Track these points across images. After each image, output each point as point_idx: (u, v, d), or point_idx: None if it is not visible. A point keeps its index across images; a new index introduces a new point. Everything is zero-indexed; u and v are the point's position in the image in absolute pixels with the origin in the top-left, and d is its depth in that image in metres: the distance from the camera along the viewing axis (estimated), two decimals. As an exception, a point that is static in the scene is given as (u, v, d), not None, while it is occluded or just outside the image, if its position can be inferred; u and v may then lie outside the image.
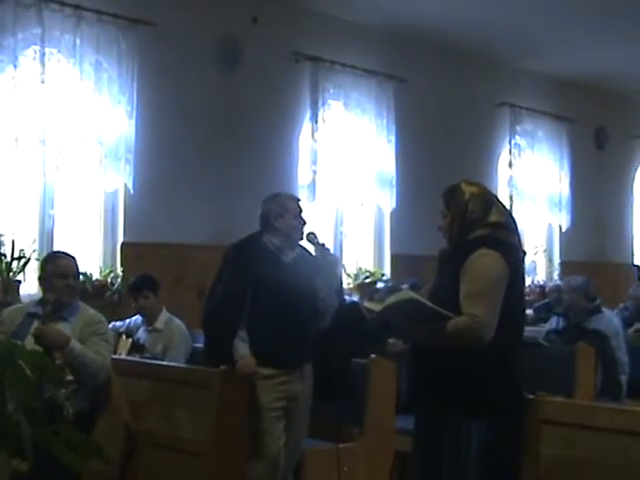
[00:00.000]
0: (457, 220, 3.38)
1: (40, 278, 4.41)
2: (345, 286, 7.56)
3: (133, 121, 6.60)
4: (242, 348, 4.31)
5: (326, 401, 4.72)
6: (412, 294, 3.30)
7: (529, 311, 8.01)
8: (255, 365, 4.29)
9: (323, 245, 4.52)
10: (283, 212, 4.47)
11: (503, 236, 3.35)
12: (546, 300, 8.93)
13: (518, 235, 3.46)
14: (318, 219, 7.66)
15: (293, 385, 4.41)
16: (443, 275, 3.42)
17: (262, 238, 4.50)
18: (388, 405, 4.87)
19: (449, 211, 3.43)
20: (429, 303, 3.24)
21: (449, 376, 3.27)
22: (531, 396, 3.36)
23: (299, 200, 4.68)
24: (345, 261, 8.17)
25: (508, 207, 3.83)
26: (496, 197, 3.54)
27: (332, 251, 4.72)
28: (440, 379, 3.29)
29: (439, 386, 3.30)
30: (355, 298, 6.51)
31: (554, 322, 6.43)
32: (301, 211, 4.55)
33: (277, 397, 4.36)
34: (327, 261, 4.49)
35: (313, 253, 4.56)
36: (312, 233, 4.55)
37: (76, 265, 4.37)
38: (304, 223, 4.54)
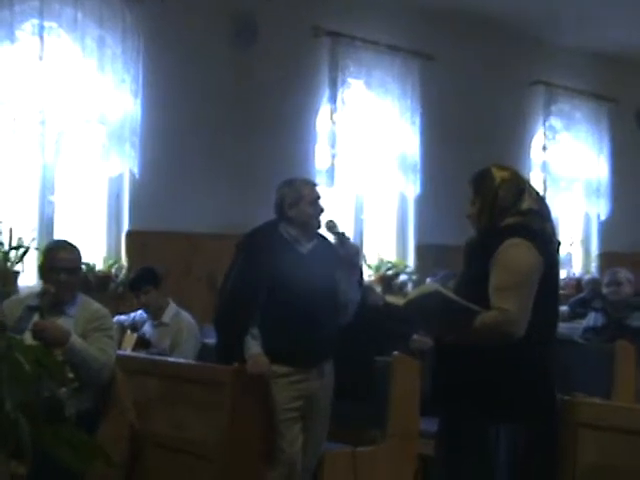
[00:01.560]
0: (486, 207, 3.38)
1: (40, 269, 4.43)
2: (366, 278, 7.56)
3: (139, 101, 6.60)
4: (253, 346, 4.30)
5: (345, 402, 4.72)
6: (437, 286, 3.30)
7: (564, 307, 7.98)
8: (267, 365, 4.28)
9: (343, 234, 4.49)
10: (297, 199, 4.44)
11: (536, 225, 3.34)
12: (582, 294, 8.89)
13: (552, 224, 3.45)
14: (337, 206, 7.65)
15: (311, 383, 4.41)
16: (471, 267, 3.42)
17: (278, 227, 4.48)
18: (412, 406, 4.87)
19: (478, 198, 3.42)
20: (455, 296, 3.23)
21: (475, 376, 3.26)
22: (566, 397, 3.35)
23: (316, 185, 4.66)
24: (366, 251, 8.17)
25: (541, 194, 3.81)
26: (528, 183, 3.53)
27: (352, 240, 4.70)
28: (465, 378, 3.29)
29: (464, 386, 3.29)
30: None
31: (592, 319, 6.40)
32: (318, 197, 4.52)
33: (293, 396, 4.36)
34: (347, 251, 4.47)
35: (332, 242, 4.55)
36: (331, 221, 4.51)
37: (79, 256, 4.39)
38: (321, 210, 4.51)
